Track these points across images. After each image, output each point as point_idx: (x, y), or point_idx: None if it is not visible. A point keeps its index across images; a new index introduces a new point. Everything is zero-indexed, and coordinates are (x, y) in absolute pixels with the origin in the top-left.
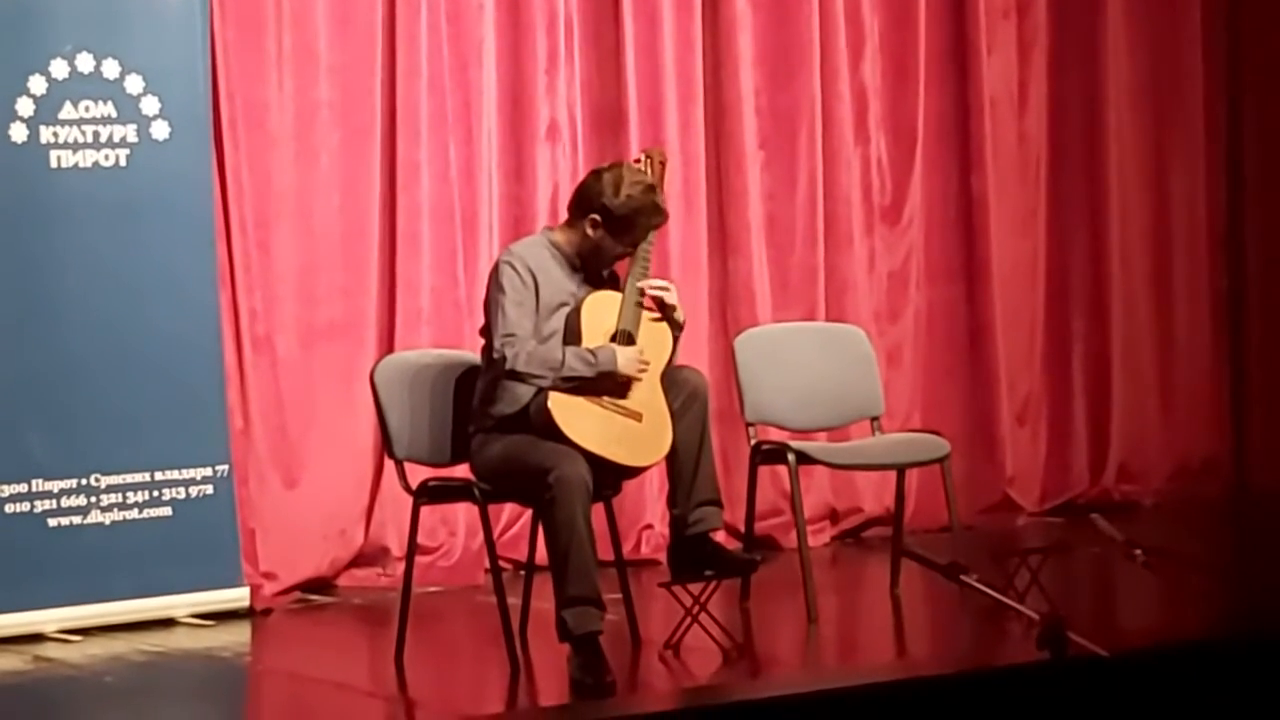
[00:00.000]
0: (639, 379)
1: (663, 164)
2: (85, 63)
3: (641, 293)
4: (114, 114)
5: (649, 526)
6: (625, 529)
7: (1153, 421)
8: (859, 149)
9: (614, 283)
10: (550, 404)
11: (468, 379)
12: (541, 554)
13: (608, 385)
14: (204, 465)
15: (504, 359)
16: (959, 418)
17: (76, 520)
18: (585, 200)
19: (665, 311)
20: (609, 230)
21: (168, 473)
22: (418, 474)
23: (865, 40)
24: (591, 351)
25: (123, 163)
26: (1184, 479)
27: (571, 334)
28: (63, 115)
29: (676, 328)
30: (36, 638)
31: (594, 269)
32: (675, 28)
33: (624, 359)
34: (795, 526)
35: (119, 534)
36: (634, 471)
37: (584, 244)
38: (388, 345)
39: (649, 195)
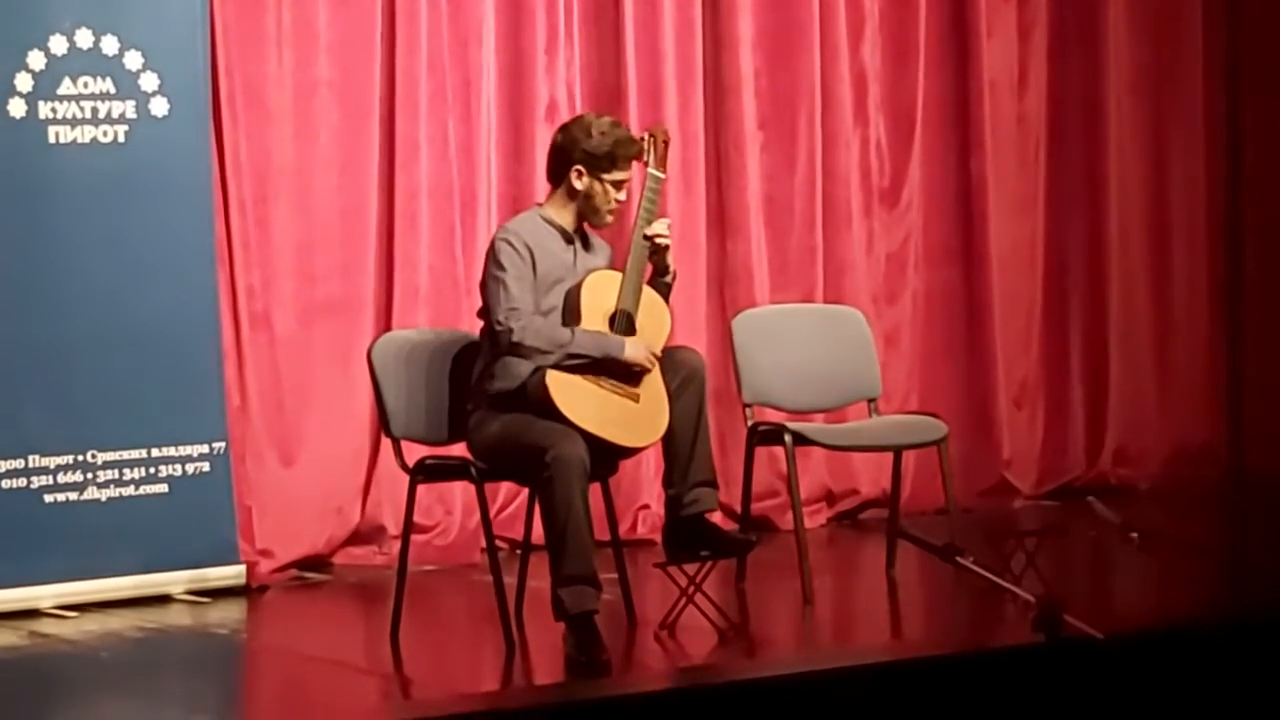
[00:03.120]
0: (649, 369)
1: (666, 143)
2: (84, 38)
3: (649, 239)
4: (113, 90)
5: (645, 507)
6: (622, 509)
7: (1150, 405)
8: (858, 131)
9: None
10: (548, 381)
11: (465, 357)
12: (538, 533)
13: (610, 368)
14: (201, 442)
15: (509, 332)
16: (956, 400)
17: (73, 496)
18: (563, 158)
19: (658, 255)
20: (592, 172)
21: (165, 449)
22: (414, 452)
23: (865, 22)
24: (603, 334)
25: (121, 139)
26: (1180, 463)
27: (571, 313)
28: (61, 91)
29: (667, 272)
30: (32, 613)
31: (594, 222)
32: (675, 8)
33: (633, 349)
34: (792, 507)
35: (115, 510)
36: (631, 452)
37: (575, 199)
38: (385, 323)
39: (617, 128)
